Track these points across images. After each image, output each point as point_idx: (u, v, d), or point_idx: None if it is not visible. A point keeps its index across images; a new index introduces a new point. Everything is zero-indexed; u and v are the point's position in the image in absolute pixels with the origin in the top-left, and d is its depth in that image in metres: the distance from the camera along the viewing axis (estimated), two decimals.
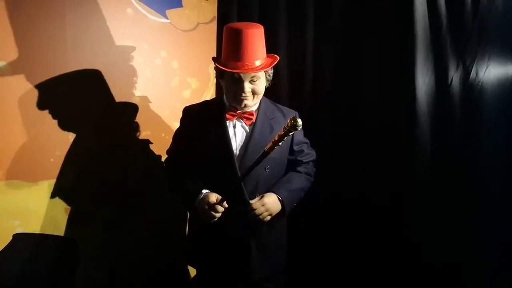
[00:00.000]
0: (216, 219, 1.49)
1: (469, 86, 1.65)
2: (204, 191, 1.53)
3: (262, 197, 1.54)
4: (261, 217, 1.52)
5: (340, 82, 2.00)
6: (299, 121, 1.31)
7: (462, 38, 1.66)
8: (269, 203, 1.53)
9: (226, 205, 1.47)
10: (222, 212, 1.49)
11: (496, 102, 1.61)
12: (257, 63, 1.52)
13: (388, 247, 1.84)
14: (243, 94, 1.52)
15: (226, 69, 1.50)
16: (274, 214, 1.55)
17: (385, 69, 1.86)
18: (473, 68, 1.64)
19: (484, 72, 1.62)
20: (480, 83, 1.63)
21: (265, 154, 1.40)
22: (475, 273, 1.68)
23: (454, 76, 1.68)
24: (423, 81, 1.72)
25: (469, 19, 1.64)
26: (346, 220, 1.96)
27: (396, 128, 1.82)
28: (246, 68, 1.49)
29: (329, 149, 1.97)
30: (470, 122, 1.66)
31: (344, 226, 1.97)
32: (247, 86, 1.52)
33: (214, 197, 1.49)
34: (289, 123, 1.32)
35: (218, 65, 1.55)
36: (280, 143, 1.38)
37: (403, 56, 1.76)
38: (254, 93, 1.55)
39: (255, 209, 1.51)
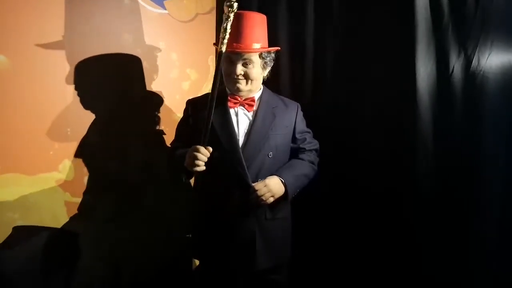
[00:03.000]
0: (200, 166, 1.42)
1: (471, 74, 1.64)
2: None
3: (264, 180, 1.55)
4: (263, 198, 1.52)
5: (341, 73, 1.99)
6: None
7: (463, 26, 1.65)
8: (272, 185, 1.54)
9: (211, 149, 1.43)
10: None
11: (499, 90, 1.59)
12: (254, 46, 1.54)
13: (389, 242, 1.84)
14: (235, 76, 1.54)
15: (217, 47, 1.51)
16: (276, 196, 1.55)
17: (386, 59, 1.84)
18: (475, 56, 1.63)
19: (486, 60, 1.61)
20: (482, 71, 1.62)
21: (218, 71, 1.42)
22: (475, 271, 1.68)
23: (456, 64, 1.67)
24: (425, 70, 1.71)
25: (471, 6, 1.62)
26: (348, 214, 1.96)
27: (398, 119, 1.81)
28: (238, 48, 1.51)
29: (331, 142, 1.97)
30: (472, 110, 1.65)
31: (347, 220, 1.97)
32: (239, 68, 1.54)
33: (198, 146, 1.44)
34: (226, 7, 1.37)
35: (216, 46, 1.58)
36: (226, 35, 1.39)
37: (404, 45, 1.75)
38: (246, 77, 1.56)
39: (257, 190, 1.51)
